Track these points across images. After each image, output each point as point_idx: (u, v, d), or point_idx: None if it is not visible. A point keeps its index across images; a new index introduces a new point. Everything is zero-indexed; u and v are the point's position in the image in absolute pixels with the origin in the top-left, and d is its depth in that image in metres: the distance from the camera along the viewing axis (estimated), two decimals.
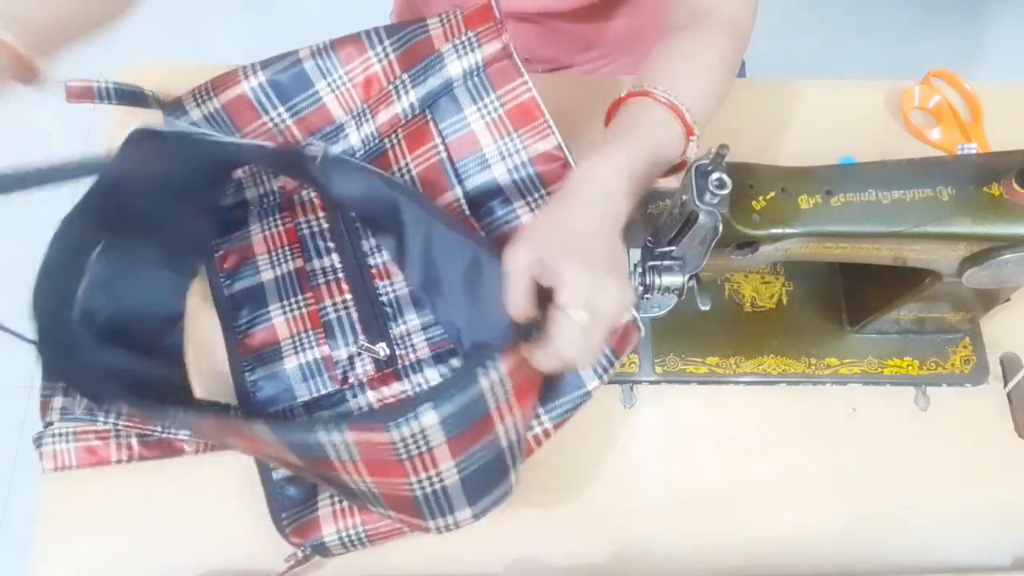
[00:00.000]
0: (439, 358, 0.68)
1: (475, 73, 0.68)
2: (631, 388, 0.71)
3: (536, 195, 0.67)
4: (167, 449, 0.66)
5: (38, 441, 0.64)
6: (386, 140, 0.71)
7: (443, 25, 0.68)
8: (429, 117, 0.69)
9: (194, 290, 0.72)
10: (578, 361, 0.49)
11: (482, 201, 0.68)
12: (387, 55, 0.69)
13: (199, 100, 0.70)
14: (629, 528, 0.67)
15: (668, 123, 0.58)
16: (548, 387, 0.61)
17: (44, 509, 0.65)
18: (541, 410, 0.60)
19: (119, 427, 0.65)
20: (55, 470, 0.64)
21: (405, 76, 0.69)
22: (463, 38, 0.68)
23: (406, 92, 0.69)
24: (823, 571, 0.67)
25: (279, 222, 0.73)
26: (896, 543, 0.68)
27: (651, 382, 0.71)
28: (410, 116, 0.70)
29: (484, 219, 0.68)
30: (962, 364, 0.73)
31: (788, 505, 0.68)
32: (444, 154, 0.69)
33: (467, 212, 0.68)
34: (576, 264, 0.48)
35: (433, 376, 0.68)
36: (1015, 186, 0.55)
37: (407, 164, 0.70)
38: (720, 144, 0.54)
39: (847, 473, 0.69)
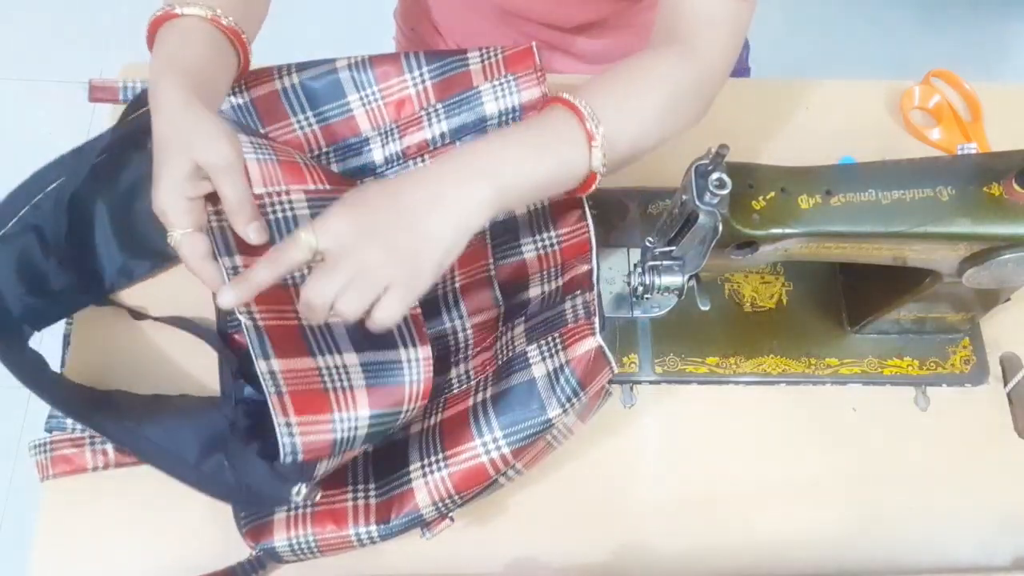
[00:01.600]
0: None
1: (510, 115, 0.71)
2: (631, 388, 0.71)
3: (548, 233, 0.68)
4: None
5: (30, 452, 0.65)
6: (411, 162, 0.72)
7: (483, 62, 0.70)
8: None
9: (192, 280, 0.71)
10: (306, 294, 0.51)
11: (501, 234, 0.70)
12: (424, 81, 0.70)
13: (232, 91, 0.69)
14: (629, 528, 0.67)
15: (561, 121, 0.55)
16: (503, 406, 0.59)
17: (43, 513, 0.65)
18: (499, 433, 0.58)
19: (93, 434, 0.64)
20: (42, 480, 0.65)
21: (439, 105, 0.71)
22: (502, 79, 0.70)
23: (438, 121, 0.71)
24: (824, 571, 0.67)
25: None
26: (896, 543, 0.67)
27: (651, 382, 0.71)
28: (439, 144, 0.71)
29: (497, 249, 0.70)
30: (962, 364, 0.73)
31: (788, 505, 0.68)
32: None
33: (488, 242, 0.70)
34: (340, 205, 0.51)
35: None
36: (1015, 186, 0.55)
37: None
38: (720, 144, 0.54)
39: (847, 473, 0.69)
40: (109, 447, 0.65)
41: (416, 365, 0.59)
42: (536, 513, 0.67)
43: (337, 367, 0.57)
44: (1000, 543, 0.68)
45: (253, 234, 0.55)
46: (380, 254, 0.50)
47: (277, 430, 0.54)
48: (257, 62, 0.76)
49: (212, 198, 0.55)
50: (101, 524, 0.65)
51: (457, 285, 0.69)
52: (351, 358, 0.58)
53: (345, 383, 0.57)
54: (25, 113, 1.68)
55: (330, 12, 1.76)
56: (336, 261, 0.50)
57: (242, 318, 0.55)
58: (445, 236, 0.51)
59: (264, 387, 0.54)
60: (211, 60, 0.57)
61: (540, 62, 0.70)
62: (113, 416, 0.60)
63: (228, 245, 0.57)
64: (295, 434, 0.54)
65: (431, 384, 0.59)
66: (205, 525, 0.64)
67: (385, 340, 0.59)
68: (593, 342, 0.58)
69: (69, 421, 0.65)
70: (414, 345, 0.60)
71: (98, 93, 0.71)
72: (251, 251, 0.56)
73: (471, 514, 0.66)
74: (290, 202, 0.60)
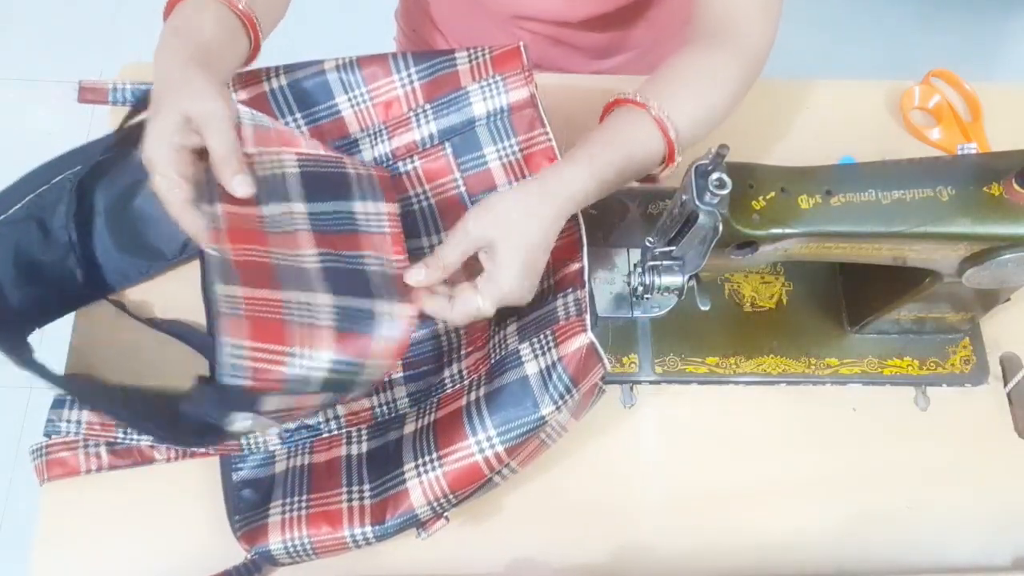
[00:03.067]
0: (410, 378, 0.67)
1: (499, 116, 0.70)
2: (631, 388, 0.71)
3: None
4: (138, 457, 0.65)
5: (29, 456, 0.65)
6: (400, 163, 0.72)
7: (471, 62, 0.70)
8: (448, 151, 0.71)
9: (183, 284, 0.72)
10: (452, 321, 0.60)
11: None
12: (412, 82, 0.70)
13: None
14: (629, 528, 0.67)
15: (651, 141, 0.60)
16: (496, 404, 0.59)
17: (42, 515, 0.65)
18: (492, 431, 0.58)
19: (86, 437, 0.65)
20: (41, 484, 0.65)
21: (428, 106, 0.70)
22: (490, 80, 0.70)
23: (427, 122, 0.71)
24: (823, 571, 0.67)
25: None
26: (896, 543, 0.67)
27: (651, 382, 0.71)
28: (428, 145, 0.71)
29: None
30: (962, 364, 0.73)
31: (788, 505, 0.68)
32: (463, 188, 0.71)
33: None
34: (517, 270, 0.58)
35: (401, 394, 0.66)
36: (1015, 186, 0.55)
37: (424, 191, 0.72)
38: (720, 144, 0.54)
39: (847, 473, 0.69)
40: (102, 450, 0.65)
41: (393, 321, 0.58)
42: (535, 513, 0.67)
43: (308, 304, 0.56)
44: (1000, 543, 0.68)
45: (239, 187, 0.55)
46: (521, 300, 0.60)
47: (219, 351, 0.52)
48: (256, 62, 0.76)
49: (203, 154, 0.55)
50: (100, 525, 0.65)
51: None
52: (324, 298, 0.57)
53: (311, 319, 0.55)
54: (25, 113, 1.68)
55: (330, 13, 1.76)
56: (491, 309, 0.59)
57: (210, 251, 0.54)
58: (547, 257, 0.61)
59: (217, 309, 0.52)
60: (218, 37, 0.58)
61: (528, 61, 0.70)
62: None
63: (212, 194, 0.56)
64: (243, 356, 0.52)
65: (406, 347, 0.58)
66: (204, 526, 0.64)
67: (365, 288, 0.59)
68: (584, 338, 0.58)
69: (64, 424, 0.64)
70: (398, 301, 0.59)
71: (87, 95, 0.70)
72: (234, 201, 0.56)
73: (470, 514, 0.66)
74: (280, 161, 0.60)
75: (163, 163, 0.52)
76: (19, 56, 1.74)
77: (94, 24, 1.76)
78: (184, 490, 0.66)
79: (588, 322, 0.58)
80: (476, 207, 0.59)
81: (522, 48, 0.70)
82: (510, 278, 0.58)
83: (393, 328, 0.57)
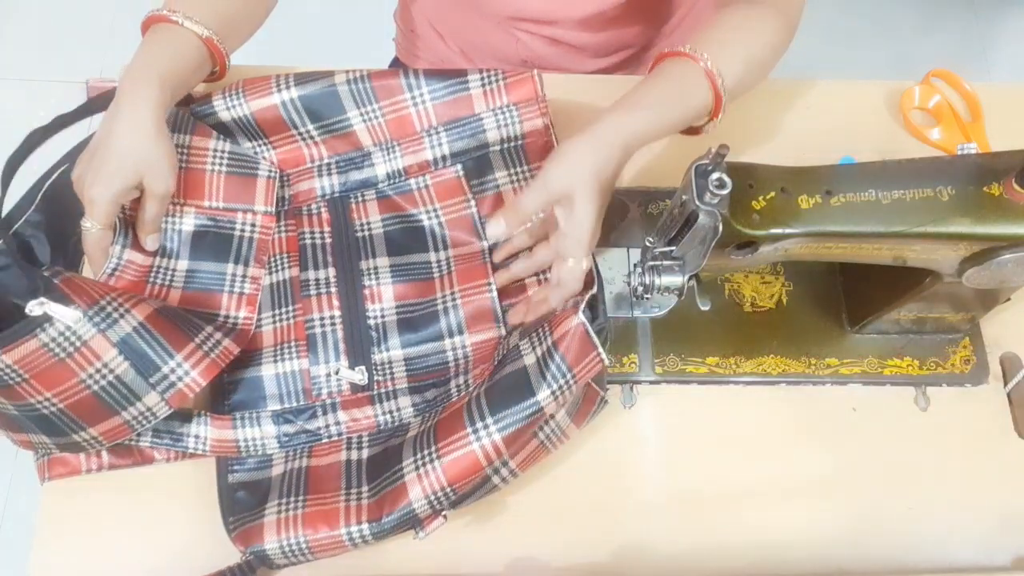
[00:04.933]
0: (415, 389, 0.67)
1: (513, 143, 0.72)
2: (631, 388, 0.71)
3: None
4: (138, 457, 0.65)
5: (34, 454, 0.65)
6: (412, 180, 0.73)
7: (484, 87, 0.71)
8: (460, 173, 0.72)
9: None
10: (565, 292, 0.63)
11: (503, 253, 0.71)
12: (424, 101, 0.71)
13: (229, 103, 0.70)
14: (629, 528, 0.67)
15: (700, 91, 0.63)
16: (494, 394, 0.59)
17: (42, 514, 0.65)
18: (490, 419, 0.58)
19: None
20: (42, 483, 0.65)
21: (441, 129, 0.72)
22: (504, 109, 0.71)
23: (440, 144, 0.72)
24: (823, 571, 0.67)
25: (283, 228, 0.72)
26: (896, 543, 0.67)
27: (651, 382, 0.71)
28: (440, 166, 0.73)
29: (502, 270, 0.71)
30: (962, 364, 0.73)
31: (788, 505, 0.68)
32: (474, 209, 0.72)
33: (487, 259, 0.70)
34: (596, 215, 0.61)
35: (406, 404, 0.66)
36: (1015, 186, 0.55)
37: (435, 210, 0.72)
38: (720, 144, 0.54)
39: (847, 473, 0.69)
40: (103, 450, 0.64)
41: (242, 282, 0.69)
42: (536, 513, 0.67)
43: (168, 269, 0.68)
44: (1000, 543, 0.68)
45: (150, 244, 0.67)
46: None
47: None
48: (257, 62, 0.77)
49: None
50: (101, 525, 0.65)
51: (459, 305, 0.68)
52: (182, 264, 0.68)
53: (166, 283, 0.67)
54: (25, 113, 1.68)
55: (330, 14, 1.76)
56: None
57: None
58: None
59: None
60: (191, 70, 0.66)
61: (542, 90, 0.71)
62: None
63: (125, 238, 0.66)
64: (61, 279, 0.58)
65: (255, 301, 0.68)
66: (204, 526, 0.64)
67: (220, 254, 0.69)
68: (575, 319, 0.58)
69: None
70: (245, 264, 0.69)
71: (95, 94, 0.71)
72: (138, 248, 0.67)
73: (471, 514, 0.66)
74: (180, 217, 0.69)
75: (102, 212, 0.61)
76: (19, 56, 1.74)
77: (94, 24, 1.76)
78: (185, 491, 0.66)
79: (581, 306, 0.59)
80: (551, 160, 0.61)
81: (535, 76, 0.71)
82: (592, 223, 0.61)
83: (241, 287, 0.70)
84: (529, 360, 0.59)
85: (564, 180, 0.60)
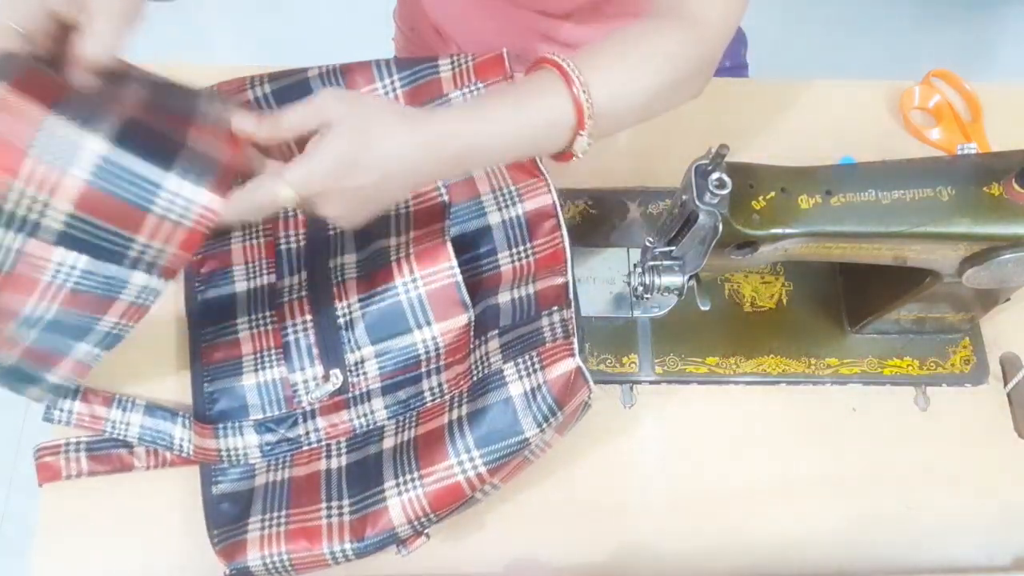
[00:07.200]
0: (388, 388, 0.66)
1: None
2: (631, 388, 0.71)
3: (523, 246, 0.67)
4: (117, 464, 0.65)
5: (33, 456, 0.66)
6: None
7: (453, 69, 0.70)
8: None
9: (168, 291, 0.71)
10: (244, 208, 0.52)
11: (469, 247, 0.68)
12: (394, 89, 0.70)
13: None
14: (629, 528, 0.67)
15: (558, 101, 0.55)
16: (479, 424, 0.59)
17: (42, 515, 0.65)
18: (475, 452, 0.58)
19: (68, 443, 0.65)
20: (40, 485, 0.65)
21: None
22: (472, 87, 0.70)
23: None
24: (823, 571, 0.67)
25: (260, 234, 0.71)
26: (896, 543, 0.68)
27: (651, 382, 0.71)
28: None
29: (468, 264, 0.67)
30: (962, 364, 0.73)
31: (788, 505, 0.68)
32: (445, 197, 0.70)
33: (446, 237, 0.66)
34: (335, 161, 0.51)
35: (379, 406, 0.66)
36: (1015, 186, 0.55)
37: (406, 199, 0.70)
38: (720, 144, 0.54)
39: (847, 473, 0.69)
40: (82, 456, 0.65)
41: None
42: (536, 513, 0.67)
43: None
44: (1000, 543, 0.68)
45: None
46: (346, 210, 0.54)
47: None
48: (256, 62, 0.76)
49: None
50: (100, 526, 0.65)
51: (422, 291, 0.66)
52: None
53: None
54: None
55: (330, 14, 1.76)
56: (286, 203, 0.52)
57: None
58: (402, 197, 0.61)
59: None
60: None
61: (511, 69, 0.70)
62: None
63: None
64: None
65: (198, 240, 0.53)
66: (201, 530, 0.64)
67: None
68: (572, 363, 0.57)
69: (57, 412, 0.64)
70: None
71: None
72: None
73: (471, 514, 0.65)
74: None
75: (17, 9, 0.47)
76: None
77: None
78: (184, 496, 0.66)
79: (575, 346, 0.58)
80: (344, 89, 0.55)
81: (504, 55, 0.70)
82: (325, 166, 0.50)
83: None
84: (515, 390, 0.59)
85: (332, 108, 0.52)
